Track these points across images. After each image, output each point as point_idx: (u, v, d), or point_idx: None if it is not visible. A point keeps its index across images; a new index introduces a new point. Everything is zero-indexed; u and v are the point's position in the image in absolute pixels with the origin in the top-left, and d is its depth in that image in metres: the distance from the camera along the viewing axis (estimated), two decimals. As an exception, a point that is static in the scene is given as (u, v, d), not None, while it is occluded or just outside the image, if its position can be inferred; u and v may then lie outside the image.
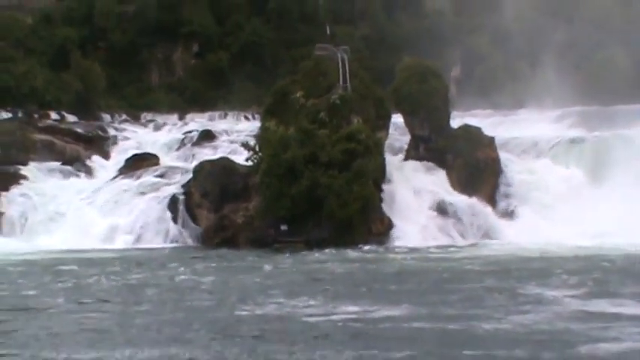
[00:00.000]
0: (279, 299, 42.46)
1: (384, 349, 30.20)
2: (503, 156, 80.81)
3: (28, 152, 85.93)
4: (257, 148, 77.80)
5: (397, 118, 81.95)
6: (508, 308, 38.26)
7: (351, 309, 38.58)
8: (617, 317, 35.11)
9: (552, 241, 66.50)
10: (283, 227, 73.64)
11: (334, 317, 36.73)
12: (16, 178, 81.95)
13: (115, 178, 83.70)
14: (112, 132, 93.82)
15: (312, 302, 41.05)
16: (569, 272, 49.90)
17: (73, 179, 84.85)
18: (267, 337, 33.22)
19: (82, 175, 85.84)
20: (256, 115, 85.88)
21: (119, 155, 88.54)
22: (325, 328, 34.48)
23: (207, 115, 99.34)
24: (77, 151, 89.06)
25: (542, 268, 52.41)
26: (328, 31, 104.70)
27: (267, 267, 57.70)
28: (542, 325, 34.14)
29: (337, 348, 30.43)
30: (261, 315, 38.33)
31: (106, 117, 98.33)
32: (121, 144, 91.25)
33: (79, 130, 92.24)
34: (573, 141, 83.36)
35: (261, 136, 78.17)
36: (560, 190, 78.67)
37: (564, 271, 50.52)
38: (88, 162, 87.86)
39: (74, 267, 57.95)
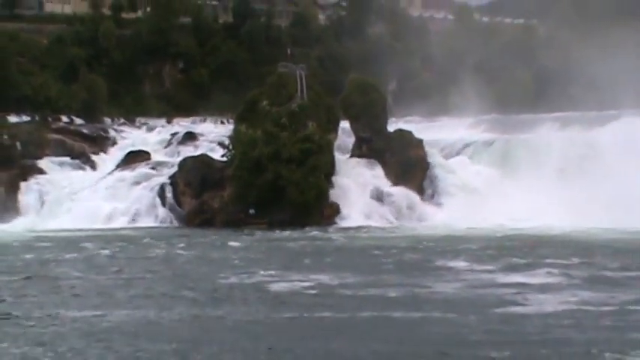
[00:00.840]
0: (246, 270, 42.55)
1: (336, 311, 30.35)
2: (430, 154, 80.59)
3: (43, 149, 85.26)
4: (231, 147, 77.96)
5: (344, 124, 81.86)
6: (434, 278, 38.24)
7: (306, 278, 38.65)
8: (523, 285, 35.07)
9: (469, 224, 66.39)
10: (251, 211, 73.74)
11: (292, 285, 36.80)
12: (33, 170, 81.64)
13: (114, 170, 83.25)
14: (112, 133, 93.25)
15: (275, 272, 41.07)
16: (482, 249, 50.07)
17: (80, 171, 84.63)
18: (236, 301, 33.37)
19: (88, 168, 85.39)
20: (230, 120, 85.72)
21: (118, 152, 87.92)
22: (285, 294, 34.59)
23: (190, 119, 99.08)
24: (83, 148, 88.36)
25: (461, 246, 52.43)
26: (289, 52, 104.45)
27: (238, 243, 57.71)
28: (463, 291, 34.11)
29: (297, 310, 30.59)
30: (231, 282, 38.52)
31: (107, 121, 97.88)
32: (120, 143, 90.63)
33: (85, 131, 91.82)
34: (486, 143, 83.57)
35: (234, 137, 78.13)
36: (475, 182, 78.66)
37: (479, 248, 50.69)
38: (92, 157, 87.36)
39: (82, 243, 58.07)
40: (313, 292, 35.02)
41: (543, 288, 33.78)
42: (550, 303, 29.99)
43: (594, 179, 69.53)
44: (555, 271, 39.20)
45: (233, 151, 77.46)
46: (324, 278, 38.51)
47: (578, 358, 21.05)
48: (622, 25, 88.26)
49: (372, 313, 29.22)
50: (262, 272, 41.25)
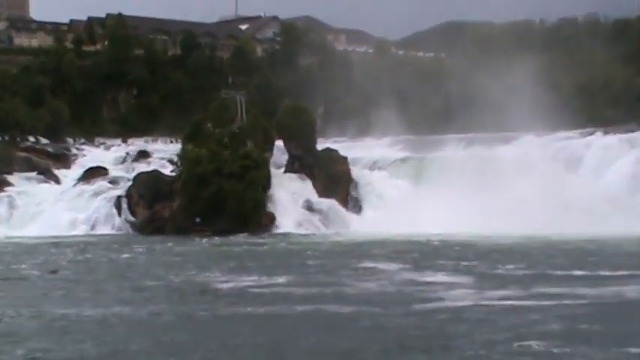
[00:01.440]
0: (193, 271, 42.26)
1: (275, 306, 30.14)
2: (354, 170, 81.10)
3: (12, 165, 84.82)
4: (179, 164, 77.64)
5: (279, 143, 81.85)
6: (357, 277, 38.21)
7: (247, 278, 38.37)
8: (435, 284, 35.16)
9: (387, 231, 66.19)
10: (197, 220, 73.47)
11: (234, 284, 36.45)
12: (3, 184, 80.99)
13: (75, 184, 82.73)
14: (73, 151, 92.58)
15: (217, 273, 40.82)
16: (398, 252, 50.11)
17: (45, 185, 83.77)
18: (186, 299, 32.97)
19: (52, 182, 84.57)
20: (178, 140, 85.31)
21: (79, 168, 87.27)
22: (228, 292, 34.28)
23: (143, 139, 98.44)
24: (48, 164, 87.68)
25: (380, 250, 52.50)
26: (230, 81, 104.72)
27: (186, 248, 57.55)
28: (383, 289, 34.02)
29: (241, 306, 30.28)
30: (180, 282, 38.13)
31: (70, 140, 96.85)
32: (80, 160, 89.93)
33: (49, 149, 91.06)
34: (401, 160, 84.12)
35: (182, 155, 77.82)
36: (392, 194, 78.97)
37: (395, 251, 50.74)
38: (56, 172, 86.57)
39: (46, 248, 57.53)
40: (253, 290, 34.76)
41: (452, 286, 33.96)
42: (459, 298, 30.10)
43: (494, 191, 69.86)
44: (460, 271, 39.49)
45: (181, 168, 77.20)
46: (262, 278, 38.28)
47: (488, 344, 20.98)
48: (517, 58, 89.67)
49: (307, 308, 29.15)
50: (207, 273, 40.96)
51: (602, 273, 36.86)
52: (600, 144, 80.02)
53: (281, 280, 37.69)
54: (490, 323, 24.65)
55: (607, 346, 20.13)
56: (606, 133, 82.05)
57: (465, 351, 19.95)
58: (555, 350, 19.79)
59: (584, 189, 72.23)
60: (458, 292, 31.99)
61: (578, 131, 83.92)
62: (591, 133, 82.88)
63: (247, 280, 37.50)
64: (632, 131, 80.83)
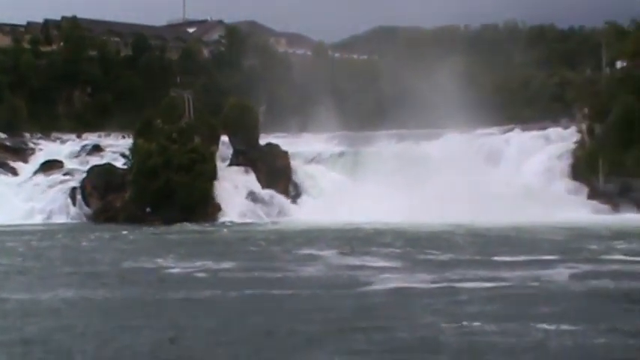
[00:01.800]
0: (144, 257, 41.76)
1: (223, 289, 29.72)
2: (293, 163, 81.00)
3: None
4: (130, 157, 77.03)
5: (224, 138, 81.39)
6: (298, 263, 37.97)
7: (195, 264, 37.92)
8: (370, 268, 35.02)
9: (325, 220, 66.01)
10: (148, 210, 72.78)
11: (185, 269, 35.99)
12: (-37, 176, 79.56)
13: (32, 176, 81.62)
14: (31, 145, 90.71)
15: (167, 260, 40.31)
16: (335, 239, 50.03)
17: (3, 177, 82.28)
18: (138, 283, 32.48)
19: (10, 174, 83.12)
20: (130, 135, 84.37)
21: (36, 161, 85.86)
22: (179, 277, 33.84)
23: (96, 134, 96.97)
24: (6, 157, 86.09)
25: (319, 237, 52.45)
26: (179, 80, 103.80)
27: (137, 236, 57.02)
28: (322, 273, 33.86)
29: (191, 290, 29.87)
30: (131, 267, 37.62)
31: (27, 135, 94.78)
32: (37, 153, 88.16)
33: (7, 143, 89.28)
34: (338, 154, 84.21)
35: (133, 149, 77.10)
36: (330, 186, 78.97)
37: (332, 238, 50.64)
38: (14, 165, 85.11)
39: (3, 236, 56.33)
40: (201, 275, 34.44)
41: (386, 269, 33.99)
42: (393, 281, 30.11)
43: (423, 183, 70.24)
44: (393, 256, 39.58)
45: (132, 161, 76.58)
46: (209, 264, 37.91)
47: (422, 324, 21.02)
48: (444, 60, 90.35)
49: (252, 291, 28.89)
50: (157, 260, 40.51)
51: (522, 258, 37.16)
52: (518, 140, 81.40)
53: (227, 265, 37.37)
54: (422, 304, 24.76)
55: (527, 323, 20.26)
56: (523, 130, 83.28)
57: (401, 331, 19.89)
58: (486, 328, 19.84)
59: (503, 181, 73.11)
60: (391, 275, 32.02)
61: (498, 128, 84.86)
62: (510, 130, 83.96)
63: (196, 266, 37.11)
64: (546, 128, 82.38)
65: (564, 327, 19.69)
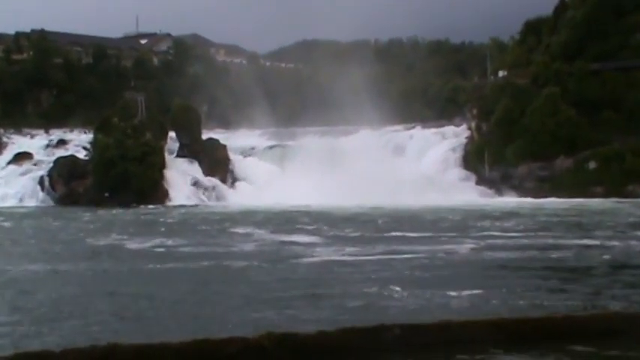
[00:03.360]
0: (105, 235, 40.61)
1: (178, 263, 28.96)
2: (231, 155, 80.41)
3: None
4: (91, 150, 75.87)
5: (172, 134, 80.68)
6: (239, 239, 37.15)
7: (150, 240, 36.92)
8: (300, 244, 34.50)
9: (257, 203, 65.49)
10: (106, 195, 71.69)
11: (142, 245, 35.14)
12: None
13: (6, 166, 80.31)
14: (4, 140, 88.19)
15: (126, 237, 39.34)
16: (267, 220, 49.47)
17: (-21, 168, 79.96)
18: (101, 257, 31.36)
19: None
20: (91, 131, 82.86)
21: (9, 153, 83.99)
22: (138, 252, 32.93)
23: (62, 130, 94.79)
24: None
25: (253, 217, 51.85)
26: (133, 84, 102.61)
27: (97, 217, 55.78)
28: (261, 248, 33.19)
29: (150, 263, 28.93)
30: (94, 244, 36.42)
31: (1, 131, 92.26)
32: (10, 147, 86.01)
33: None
34: (270, 147, 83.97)
35: (94, 143, 75.95)
36: (262, 175, 78.51)
37: (264, 219, 50.04)
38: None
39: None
40: (158, 250, 33.63)
41: (315, 245, 33.71)
42: (324, 255, 29.77)
43: (342, 172, 70.36)
44: (317, 233, 39.34)
45: (93, 153, 75.34)
46: (163, 240, 37.08)
47: (354, 291, 20.73)
48: (357, 69, 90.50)
49: (203, 264, 28.20)
50: (116, 236, 39.58)
51: (429, 234, 37.42)
52: (420, 136, 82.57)
53: (178, 242, 36.47)
54: (351, 273, 24.60)
55: (437, 289, 20.38)
56: (424, 127, 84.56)
57: (338, 297, 19.74)
58: (407, 293, 19.91)
59: (408, 170, 73.69)
60: (319, 249, 31.72)
61: (403, 126, 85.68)
62: (413, 128, 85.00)
63: (151, 242, 36.22)
64: (443, 126, 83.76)
65: (466, 291, 19.89)
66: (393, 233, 38.28)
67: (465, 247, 31.21)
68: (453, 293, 19.45)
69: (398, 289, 20.09)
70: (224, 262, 28.46)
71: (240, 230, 42.45)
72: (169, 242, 36.22)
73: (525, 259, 27.20)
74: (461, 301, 18.66)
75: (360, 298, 18.99)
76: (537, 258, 27.62)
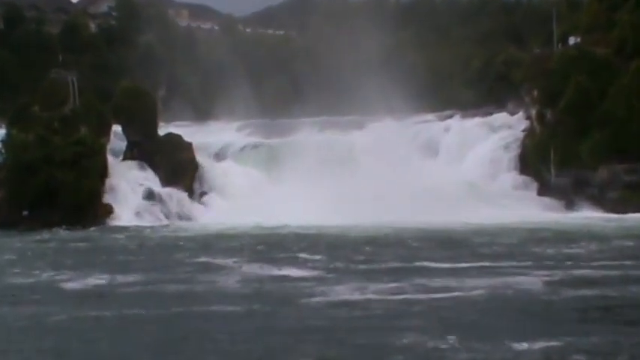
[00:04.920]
0: (30, 270, 40.55)
1: (133, 308, 29.02)
2: (198, 157, 79.87)
3: None
4: (3, 151, 74.90)
5: (116, 128, 79.96)
6: (209, 273, 37.36)
7: (90, 276, 36.85)
8: (293, 279, 34.57)
9: (236, 223, 65.10)
10: (25, 213, 70.84)
11: (80, 283, 35.07)
12: None
13: None
14: None
15: (57, 272, 39.22)
16: (249, 246, 49.57)
17: None
18: (31, 300, 31.46)
19: None
20: (2, 125, 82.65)
21: None
22: (76, 292, 32.95)
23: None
24: None
25: (229, 243, 51.84)
26: (61, 59, 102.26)
27: (15, 245, 55.54)
28: (241, 286, 33.25)
29: (94, 309, 28.93)
30: (19, 282, 36.52)
31: None
32: None
33: None
34: (251, 146, 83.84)
35: (7, 141, 74.99)
36: (242, 183, 78.37)
37: (246, 244, 50.15)
38: None
39: None
40: (104, 290, 33.47)
41: (321, 280, 33.60)
42: (338, 293, 29.82)
43: (349, 179, 70.55)
44: (316, 264, 39.53)
45: (5, 155, 74.61)
46: (110, 276, 37.03)
47: (404, 347, 20.66)
48: (371, 37, 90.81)
49: (175, 309, 28.14)
50: (46, 272, 39.42)
51: (478, 264, 37.42)
52: (459, 127, 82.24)
53: (126, 278, 36.39)
54: (383, 320, 24.57)
55: (501, 339, 20.35)
56: (464, 116, 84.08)
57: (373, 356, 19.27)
58: (465, 345, 19.86)
59: (443, 175, 73.71)
60: (332, 287, 31.71)
61: (435, 114, 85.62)
62: (449, 117, 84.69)
63: (92, 279, 36.18)
64: (490, 114, 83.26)
65: (539, 343, 19.70)
66: (431, 263, 38.37)
67: (533, 281, 31.37)
68: (522, 346, 19.59)
69: (452, 338, 19.91)
70: (194, 306, 28.49)
71: (213, 261, 42.73)
72: (118, 279, 36.25)
73: (616, 299, 27.38)
74: (533, 356, 18.52)
75: (405, 354, 18.63)
76: (632, 297, 27.79)
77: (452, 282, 31.38)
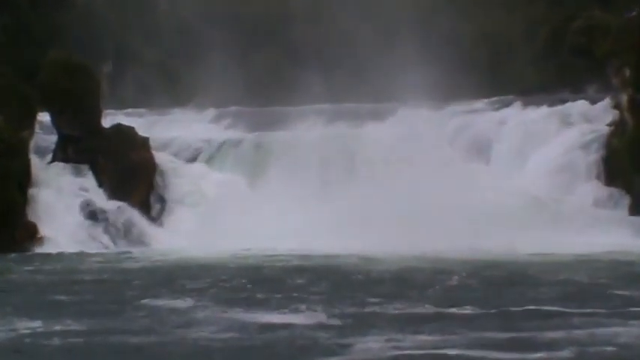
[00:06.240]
0: None
1: None
2: (158, 157, 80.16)
3: None
4: None
5: (44, 117, 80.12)
6: (177, 323, 37.03)
7: (19, 326, 36.19)
8: (306, 327, 34.71)
9: (208, 250, 65.75)
10: None
11: (4, 334, 34.81)
12: None
13: None
14: None
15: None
16: (230, 282, 49.59)
17: None
18: None
19: None
20: None
21: None
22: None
23: None
24: None
25: (201, 278, 51.71)
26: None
27: None
28: (225, 339, 33.10)
29: None
30: None
31: None
32: None
33: None
34: (231, 143, 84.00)
35: None
36: (218, 194, 78.67)
37: (225, 281, 50.12)
38: None
39: None
40: (33, 342, 33.29)
41: (336, 330, 33.78)
42: (364, 349, 29.85)
43: (365, 189, 71.61)
44: (322, 307, 39.47)
45: None
46: (40, 323, 36.66)
47: None
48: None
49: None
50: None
51: (560, 308, 37.76)
52: (518, 120, 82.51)
53: (70, 326, 36.15)
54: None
55: None
56: (526, 104, 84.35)
57: None
58: None
59: (497, 186, 74.62)
60: (353, 339, 31.65)
61: (486, 101, 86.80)
62: (506, 105, 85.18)
63: (17, 327, 36.01)
64: (564, 102, 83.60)
65: None
66: (482, 309, 38.15)
67: (636, 333, 31.68)
68: None
69: None
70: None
71: (176, 302, 42.58)
72: (43, 329, 35.82)
73: None
74: None
75: None
76: None
77: (518, 334, 31.67)
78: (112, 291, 47.44)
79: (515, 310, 37.48)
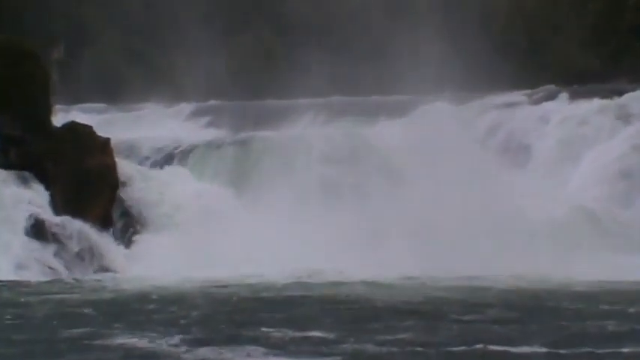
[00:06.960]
0: None
1: None
2: (122, 164, 79.66)
3: None
4: None
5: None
6: None
7: None
8: None
9: (181, 276, 65.67)
10: None
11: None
12: None
13: None
14: None
15: None
16: (204, 317, 48.66)
17: None
18: None
19: None
20: None
21: None
22: None
23: None
24: None
25: (167, 313, 50.83)
26: None
27: None
28: None
29: None
30: None
31: None
32: None
33: None
34: (211, 145, 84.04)
35: None
36: (195, 208, 78.41)
37: (195, 314, 49.43)
38: None
39: None
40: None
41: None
42: None
43: (377, 201, 72.28)
44: (327, 348, 38.49)
45: None
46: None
47: None
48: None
49: None
50: None
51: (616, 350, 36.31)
52: (566, 114, 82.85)
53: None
54: None
55: None
56: (574, 96, 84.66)
57: None
58: None
59: (537, 196, 74.68)
60: None
61: (525, 93, 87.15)
62: (549, 97, 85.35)
63: None
64: (622, 94, 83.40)
65: None
66: (522, 347, 36.98)
67: None
68: None
69: None
70: None
71: (141, 342, 41.29)
72: None
73: None
74: None
75: None
76: None
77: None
78: (63, 327, 45.89)
79: (583, 351, 36.42)
